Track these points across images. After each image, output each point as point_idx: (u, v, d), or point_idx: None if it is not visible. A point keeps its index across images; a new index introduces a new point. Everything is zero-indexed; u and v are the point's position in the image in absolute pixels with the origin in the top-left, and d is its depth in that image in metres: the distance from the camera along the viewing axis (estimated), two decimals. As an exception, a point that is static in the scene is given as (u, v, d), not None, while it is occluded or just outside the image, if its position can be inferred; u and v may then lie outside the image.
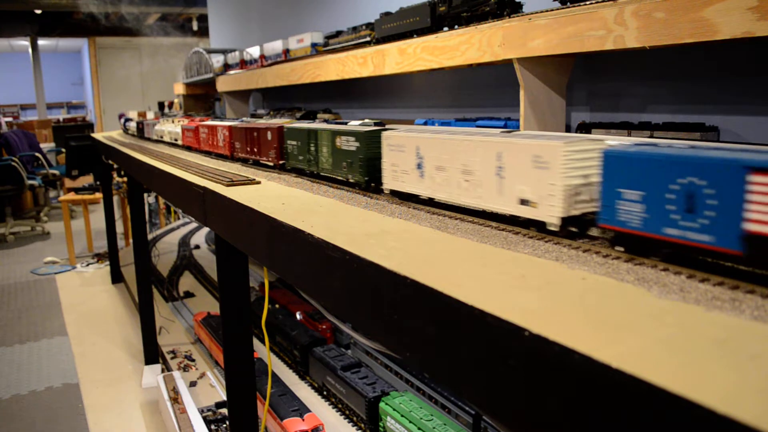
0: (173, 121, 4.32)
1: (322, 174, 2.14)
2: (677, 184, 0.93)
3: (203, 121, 3.78)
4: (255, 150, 2.66)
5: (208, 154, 3.40)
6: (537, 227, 1.23)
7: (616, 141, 1.13)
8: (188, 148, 3.79)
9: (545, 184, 1.17)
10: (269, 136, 2.48)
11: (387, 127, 1.87)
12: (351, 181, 1.92)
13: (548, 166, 1.16)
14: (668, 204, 0.94)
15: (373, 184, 1.82)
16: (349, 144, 1.88)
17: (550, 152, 1.16)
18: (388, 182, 1.69)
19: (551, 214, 1.17)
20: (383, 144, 1.70)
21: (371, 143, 1.80)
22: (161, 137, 4.51)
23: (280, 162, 2.45)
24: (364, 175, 1.83)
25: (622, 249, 1.06)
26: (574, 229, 1.18)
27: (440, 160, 1.47)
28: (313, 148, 2.16)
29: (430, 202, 1.56)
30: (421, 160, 1.54)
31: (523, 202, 1.24)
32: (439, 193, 1.50)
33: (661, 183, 0.95)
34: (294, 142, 2.30)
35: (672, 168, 0.93)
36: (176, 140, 4.08)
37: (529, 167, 1.21)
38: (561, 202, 1.14)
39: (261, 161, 2.66)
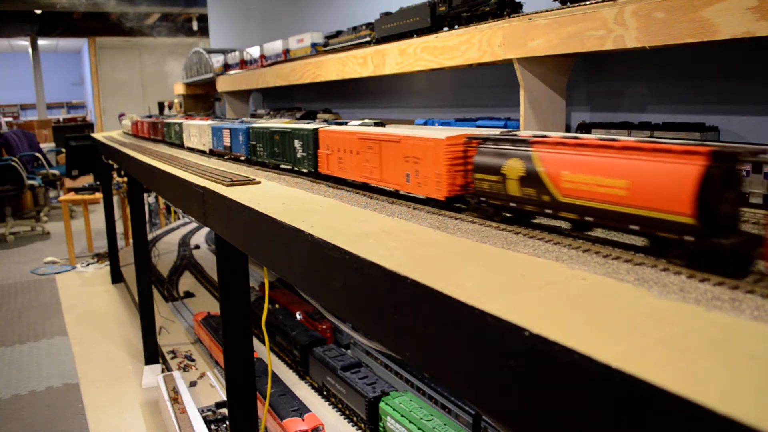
0: (129, 119, 6.52)
1: (171, 142, 4.24)
2: (218, 134, 3.16)
3: (140, 119, 5.88)
4: (155, 133, 4.78)
5: (142, 138, 5.32)
6: (204, 154, 3.43)
7: (236, 124, 3.09)
8: (134, 135, 5.76)
9: (206, 137, 3.33)
10: (159, 126, 4.60)
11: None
12: (177, 143, 4.03)
13: (206, 132, 3.31)
14: (221, 140, 3.12)
15: (182, 143, 3.94)
16: (178, 128, 3.98)
17: (206, 127, 3.30)
18: (185, 142, 3.82)
19: (207, 148, 3.34)
20: (184, 127, 3.85)
21: (182, 127, 3.89)
22: (124, 130, 6.80)
23: (165, 139, 4.41)
24: (180, 141, 3.93)
25: (214, 156, 3.26)
26: (215, 153, 3.24)
27: (194, 133, 3.58)
28: (171, 131, 4.20)
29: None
30: (189, 132, 3.71)
31: (204, 144, 3.36)
32: (194, 145, 3.60)
33: (218, 135, 3.16)
34: (167, 129, 4.35)
35: (221, 131, 3.11)
36: (129, 132, 6.14)
37: (208, 133, 3.29)
38: (209, 142, 3.29)
39: (156, 138, 4.73)
